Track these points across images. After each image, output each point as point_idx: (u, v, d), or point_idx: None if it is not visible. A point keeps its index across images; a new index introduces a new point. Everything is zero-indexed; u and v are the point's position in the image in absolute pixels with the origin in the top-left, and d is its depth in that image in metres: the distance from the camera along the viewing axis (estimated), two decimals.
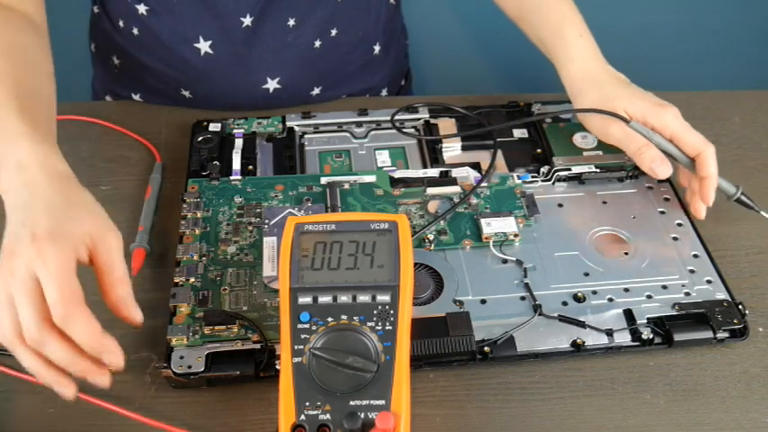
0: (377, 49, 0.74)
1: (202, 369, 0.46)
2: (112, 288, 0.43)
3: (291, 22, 0.66)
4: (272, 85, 0.69)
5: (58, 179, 0.44)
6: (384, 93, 0.78)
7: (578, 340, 0.49)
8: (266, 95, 0.70)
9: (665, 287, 0.52)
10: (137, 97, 0.72)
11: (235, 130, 0.64)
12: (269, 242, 0.53)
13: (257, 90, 0.69)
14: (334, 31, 0.69)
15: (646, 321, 0.50)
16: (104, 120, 0.65)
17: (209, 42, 0.66)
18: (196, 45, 0.66)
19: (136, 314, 0.44)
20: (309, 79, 0.71)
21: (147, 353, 0.48)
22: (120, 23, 0.68)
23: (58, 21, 0.60)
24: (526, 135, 0.64)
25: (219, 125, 0.63)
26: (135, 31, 0.67)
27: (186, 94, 0.70)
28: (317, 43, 0.69)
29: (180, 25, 0.65)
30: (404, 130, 0.64)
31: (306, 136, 0.64)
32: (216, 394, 0.47)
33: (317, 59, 0.70)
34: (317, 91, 0.72)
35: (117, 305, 0.43)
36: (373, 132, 0.65)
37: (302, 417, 0.41)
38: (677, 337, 0.49)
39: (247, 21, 0.65)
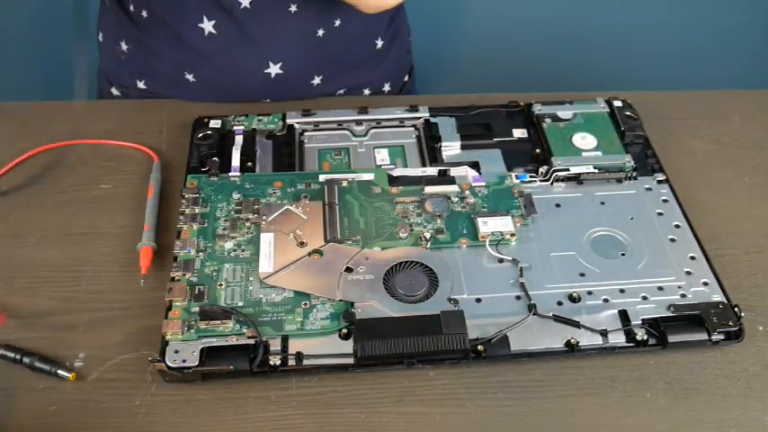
0: (379, 43, 0.75)
1: (197, 363, 0.46)
2: None
3: (293, 8, 0.67)
4: (273, 69, 0.70)
5: None
6: (386, 88, 0.78)
7: (572, 340, 0.49)
8: (268, 80, 0.70)
9: (660, 288, 0.52)
10: (141, 84, 0.73)
11: (235, 127, 0.64)
12: (266, 238, 0.54)
13: (259, 74, 0.70)
14: (337, 22, 0.70)
15: (640, 322, 0.50)
16: (104, 120, 0.66)
17: (213, 22, 0.66)
18: (200, 25, 0.67)
19: None
20: (311, 67, 0.72)
21: (148, 351, 0.49)
22: (131, 7, 0.70)
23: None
24: (525, 135, 0.64)
25: (220, 122, 0.64)
26: (144, 13, 0.69)
27: (190, 77, 0.71)
28: (321, 32, 0.70)
29: (183, 5, 0.66)
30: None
31: (306, 133, 0.65)
32: (216, 392, 0.47)
33: (319, 48, 0.70)
34: (317, 81, 0.72)
35: None
36: (373, 131, 0.65)
37: None
38: (672, 338, 0.49)
39: (245, 3, 0.65)
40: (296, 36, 0.69)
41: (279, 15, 0.67)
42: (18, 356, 0.48)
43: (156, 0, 0.67)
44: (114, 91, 0.76)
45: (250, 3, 0.66)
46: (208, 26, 0.67)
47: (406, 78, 0.82)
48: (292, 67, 0.70)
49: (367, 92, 0.77)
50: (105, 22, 0.75)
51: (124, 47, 0.73)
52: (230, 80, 0.70)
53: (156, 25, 0.69)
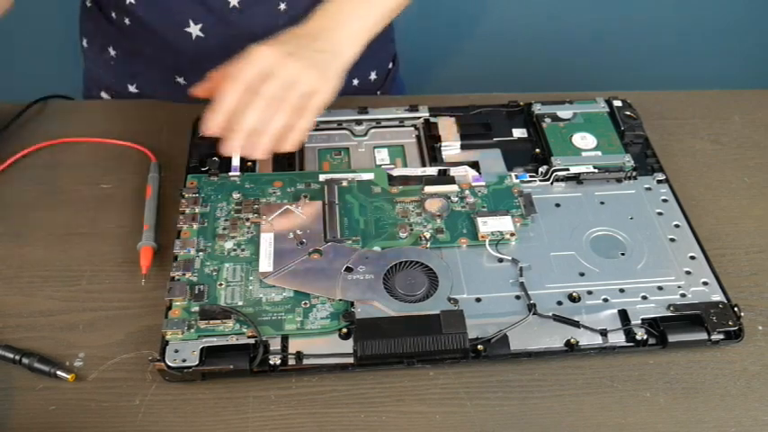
0: None
1: (197, 363, 0.46)
2: None
3: (282, 6, 0.67)
4: None
5: None
6: (373, 76, 0.78)
7: (572, 340, 0.49)
8: None
9: (660, 288, 0.52)
10: (132, 88, 0.73)
11: None
12: (266, 238, 0.54)
13: None
14: None
15: (640, 322, 0.50)
16: (104, 120, 0.66)
17: (200, 26, 0.66)
18: (187, 30, 0.67)
19: None
20: None
21: (148, 350, 0.49)
22: (113, 15, 0.69)
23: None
24: (525, 135, 0.64)
25: None
26: (126, 21, 0.68)
27: (181, 80, 0.71)
28: None
29: (168, 11, 0.66)
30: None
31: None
32: (216, 391, 0.47)
33: None
34: None
35: None
36: (373, 131, 0.65)
37: None
38: (671, 338, 0.49)
39: (234, 2, 0.65)
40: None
41: (269, 14, 0.67)
42: (17, 357, 0.48)
43: (139, 8, 0.66)
44: (104, 95, 0.76)
45: (239, 2, 0.66)
46: (195, 30, 0.67)
47: (390, 66, 0.83)
48: None
49: (356, 82, 0.77)
50: (89, 27, 0.74)
51: (112, 52, 0.72)
52: None
53: (141, 31, 0.68)
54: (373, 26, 0.62)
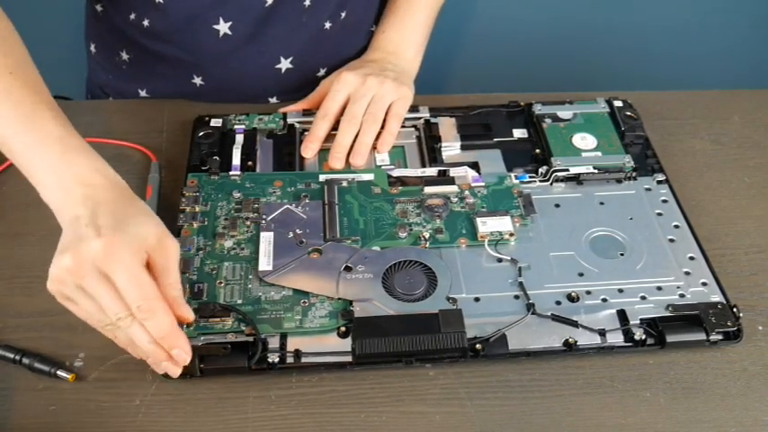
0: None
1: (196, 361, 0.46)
2: (165, 290, 0.44)
3: (307, 3, 0.68)
4: (284, 64, 0.71)
5: (119, 191, 0.46)
6: None
7: (570, 340, 0.49)
8: (278, 75, 0.71)
9: (659, 288, 0.52)
10: (143, 93, 0.73)
11: (236, 126, 0.64)
12: (265, 237, 0.54)
13: (270, 70, 0.71)
14: (343, 14, 0.71)
15: (639, 322, 0.50)
16: (104, 120, 0.66)
17: (229, 24, 0.67)
18: (215, 27, 0.67)
19: (186, 313, 0.45)
20: (317, 60, 0.73)
21: None
22: (132, 16, 0.69)
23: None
24: (525, 135, 0.64)
25: (221, 121, 0.64)
26: (146, 22, 0.68)
27: (198, 81, 0.71)
28: (328, 25, 0.71)
29: (201, 8, 0.66)
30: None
31: (306, 133, 0.65)
32: (216, 391, 0.47)
33: (325, 40, 0.72)
34: (322, 72, 0.73)
35: (169, 306, 0.44)
36: None
37: None
38: (670, 338, 0.49)
39: (270, 0, 0.66)
40: (307, 30, 0.70)
41: (295, 11, 0.68)
42: (17, 357, 0.48)
43: (170, 6, 0.66)
44: (112, 100, 0.76)
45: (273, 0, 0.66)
46: (223, 27, 0.67)
47: None
48: (302, 61, 0.71)
49: None
50: (99, 32, 0.74)
51: (125, 56, 0.72)
52: (240, 78, 0.70)
53: (162, 32, 0.68)
54: (430, 28, 0.72)
